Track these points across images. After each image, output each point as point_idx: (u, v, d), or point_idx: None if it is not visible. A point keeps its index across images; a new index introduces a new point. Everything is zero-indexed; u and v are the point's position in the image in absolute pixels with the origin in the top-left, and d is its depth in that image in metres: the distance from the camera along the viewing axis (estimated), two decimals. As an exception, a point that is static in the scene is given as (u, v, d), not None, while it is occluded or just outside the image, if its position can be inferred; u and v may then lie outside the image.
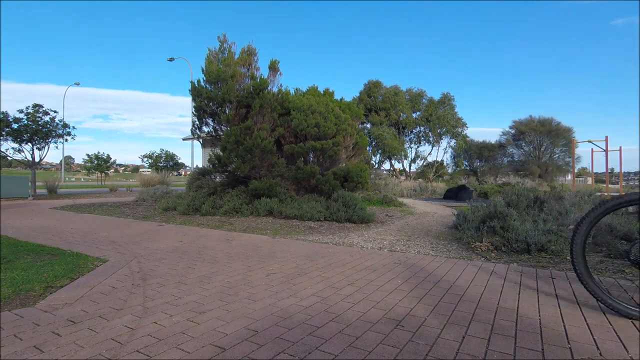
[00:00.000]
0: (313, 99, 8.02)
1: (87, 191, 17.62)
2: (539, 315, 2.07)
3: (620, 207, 2.17)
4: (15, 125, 12.19)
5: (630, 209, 6.79)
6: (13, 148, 12.70)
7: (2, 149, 12.67)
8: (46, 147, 13.18)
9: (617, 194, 12.63)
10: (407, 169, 26.91)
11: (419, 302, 2.30)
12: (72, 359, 1.55)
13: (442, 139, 26.20)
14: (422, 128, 26.06)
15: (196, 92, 7.78)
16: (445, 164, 28.45)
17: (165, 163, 42.33)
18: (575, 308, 2.20)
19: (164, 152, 43.67)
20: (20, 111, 12.42)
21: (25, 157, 12.94)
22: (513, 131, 29.41)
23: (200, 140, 14.19)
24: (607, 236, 4.07)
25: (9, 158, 13.36)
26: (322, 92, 8.95)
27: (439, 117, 24.81)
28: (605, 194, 11.39)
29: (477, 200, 10.85)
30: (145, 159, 43.96)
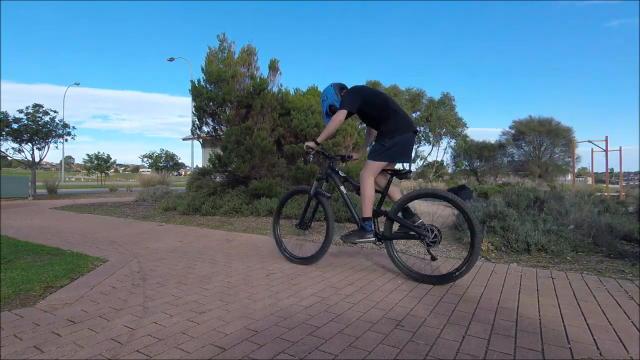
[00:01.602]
0: (313, 98, 8.01)
1: (87, 191, 17.62)
2: (539, 315, 2.07)
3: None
4: (15, 125, 12.19)
5: (631, 208, 6.78)
6: (13, 148, 12.71)
7: (2, 149, 12.67)
8: (46, 147, 13.18)
9: (617, 194, 12.63)
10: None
11: (419, 302, 2.30)
12: (72, 359, 1.55)
13: (442, 139, 26.22)
14: (422, 128, 26.07)
15: (196, 92, 7.77)
16: (445, 164, 28.50)
17: (165, 163, 42.28)
18: (575, 308, 2.20)
19: (164, 152, 43.66)
20: (20, 111, 12.42)
21: (25, 157, 12.93)
22: (513, 131, 29.43)
23: (200, 140, 14.17)
24: (607, 236, 4.07)
25: (9, 158, 13.36)
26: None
27: (439, 117, 24.83)
28: (606, 194, 11.39)
29: (477, 200, 10.84)
30: (145, 159, 43.93)
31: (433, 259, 2.90)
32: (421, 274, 2.73)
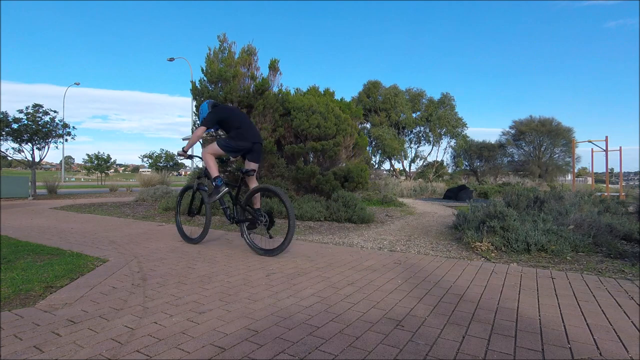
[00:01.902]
0: (313, 99, 8.01)
1: (87, 191, 17.62)
2: (539, 315, 2.07)
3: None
4: (15, 125, 12.17)
5: (631, 208, 6.78)
6: (13, 148, 12.68)
7: (2, 149, 12.66)
8: (46, 147, 13.14)
9: (617, 194, 12.63)
10: (407, 169, 26.91)
11: (419, 302, 2.30)
12: (72, 359, 1.55)
13: (442, 139, 26.20)
14: (422, 128, 26.06)
15: (197, 92, 7.76)
16: (445, 164, 28.46)
17: (165, 163, 42.13)
18: (575, 308, 2.20)
19: (164, 152, 43.44)
20: (20, 111, 12.39)
21: (25, 157, 12.91)
22: (513, 131, 29.44)
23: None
24: (607, 236, 4.07)
25: (9, 158, 13.34)
26: (322, 92, 8.95)
27: (439, 117, 24.81)
28: (606, 194, 11.39)
29: (477, 200, 10.84)
30: (145, 159, 43.76)
31: (270, 237, 3.77)
32: (261, 248, 3.62)
